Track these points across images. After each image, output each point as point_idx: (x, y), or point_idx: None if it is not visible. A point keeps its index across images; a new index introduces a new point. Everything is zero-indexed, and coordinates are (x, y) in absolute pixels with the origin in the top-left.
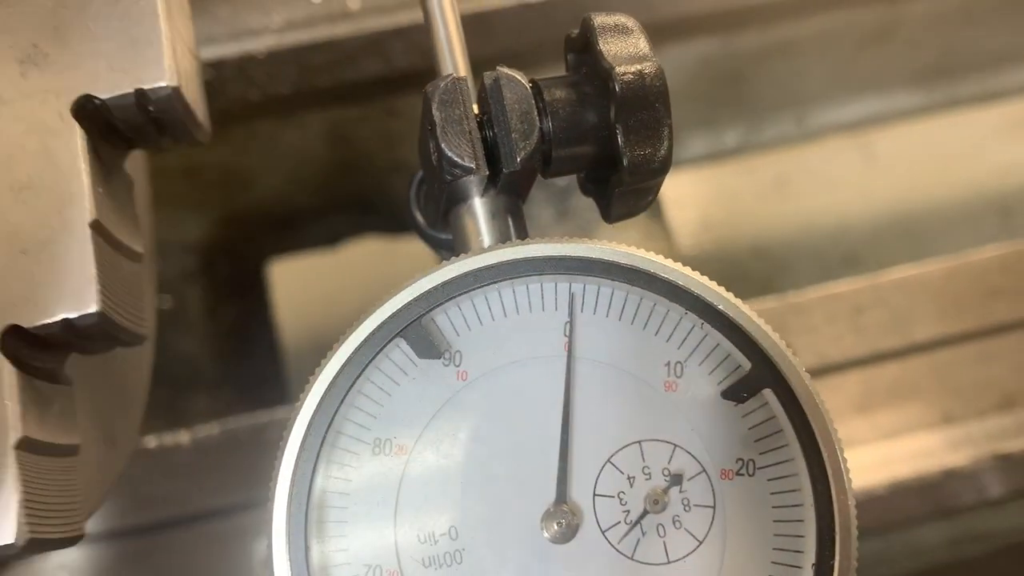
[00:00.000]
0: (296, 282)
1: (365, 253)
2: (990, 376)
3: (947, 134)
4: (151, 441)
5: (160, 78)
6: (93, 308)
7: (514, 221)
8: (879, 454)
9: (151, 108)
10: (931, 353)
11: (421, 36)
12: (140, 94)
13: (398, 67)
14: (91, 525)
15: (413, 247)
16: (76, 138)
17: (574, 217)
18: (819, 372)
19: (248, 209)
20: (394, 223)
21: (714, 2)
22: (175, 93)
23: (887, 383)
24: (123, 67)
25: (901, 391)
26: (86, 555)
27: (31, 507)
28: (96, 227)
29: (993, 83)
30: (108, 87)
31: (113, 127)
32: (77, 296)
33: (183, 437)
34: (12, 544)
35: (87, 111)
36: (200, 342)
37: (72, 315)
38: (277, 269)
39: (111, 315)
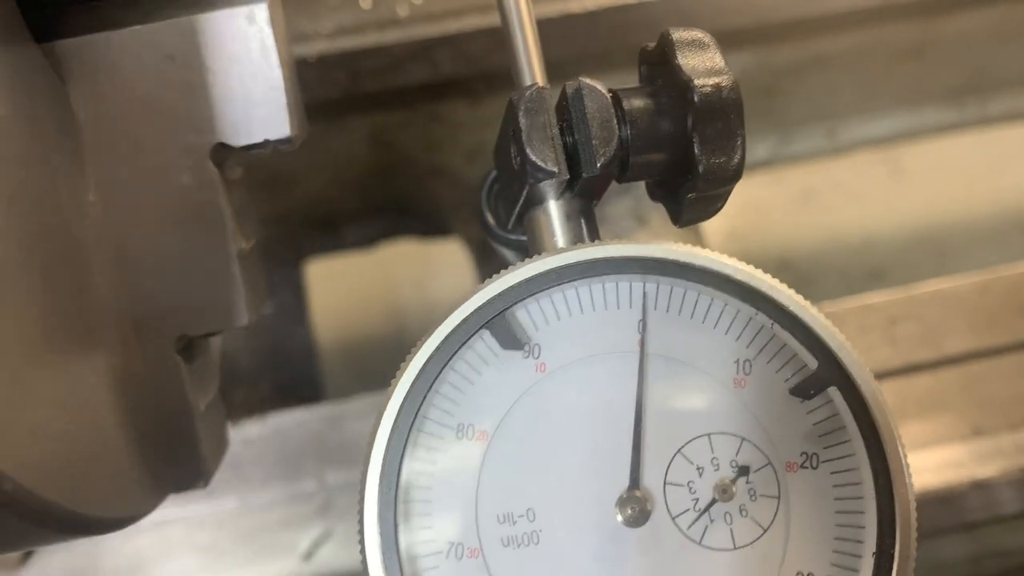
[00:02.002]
0: (332, 282)
1: (400, 255)
2: (1021, 390)
3: (976, 152)
4: None
5: (284, 131)
6: (244, 322)
7: (587, 223)
8: (909, 464)
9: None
10: (963, 366)
11: (468, 44)
12: (266, 142)
13: (444, 73)
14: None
15: (447, 250)
16: (216, 180)
17: (610, 224)
18: None
19: (289, 210)
20: (430, 226)
21: (751, 18)
22: (295, 139)
23: (919, 395)
24: (252, 122)
25: (932, 403)
26: (134, 544)
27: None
28: (240, 256)
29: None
30: (241, 138)
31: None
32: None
33: (228, 429)
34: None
35: (220, 156)
36: (238, 339)
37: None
38: (314, 269)
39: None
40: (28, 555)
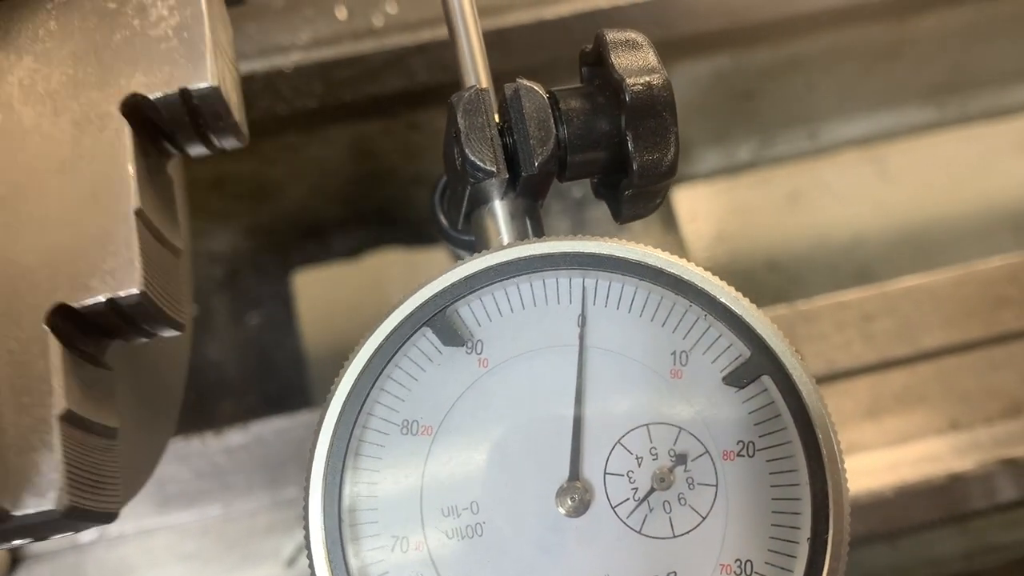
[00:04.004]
0: (319, 292)
1: (385, 264)
2: (997, 383)
3: (959, 149)
4: (180, 441)
5: (203, 79)
6: (136, 289)
7: (532, 222)
8: (887, 459)
9: (194, 105)
10: (938, 360)
11: (443, 52)
12: (185, 93)
13: (420, 82)
14: (124, 523)
15: (432, 258)
16: (124, 131)
17: (590, 228)
18: (828, 378)
19: (273, 220)
20: (414, 235)
21: (727, 20)
22: (215, 92)
23: (895, 389)
24: (171, 70)
25: (909, 397)
26: (118, 553)
27: (73, 477)
28: (140, 215)
29: (1003, 100)
30: (156, 87)
31: (159, 129)
32: (122, 277)
33: (211, 438)
34: (53, 510)
35: (135, 108)
36: (226, 349)
37: (117, 295)
38: (301, 279)
39: (152, 297)
40: (13, 565)
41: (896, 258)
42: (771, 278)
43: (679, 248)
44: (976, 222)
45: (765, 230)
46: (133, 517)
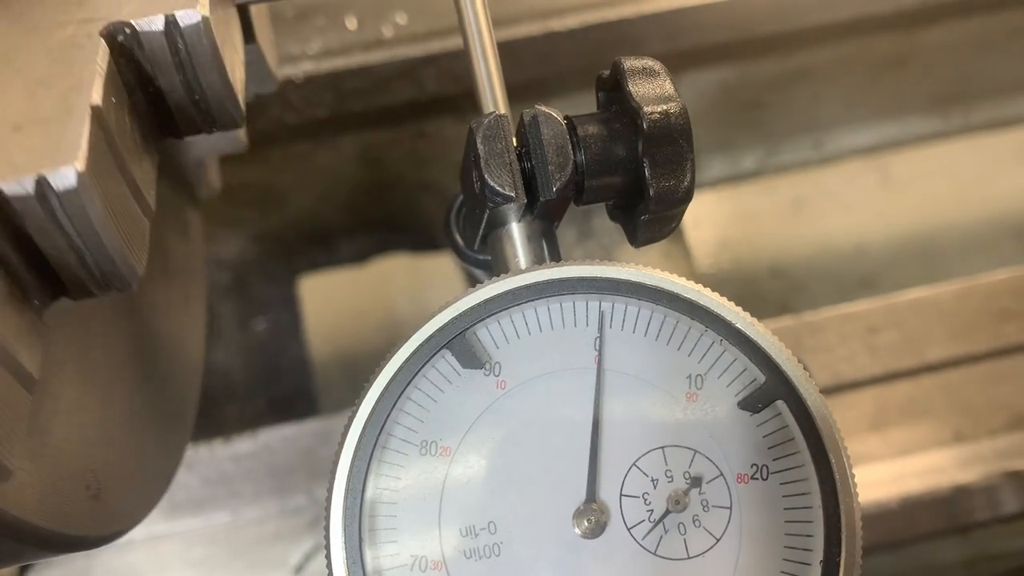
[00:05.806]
0: (326, 297)
1: (392, 270)
2: (1001, 396)
3: (963, 159)
4: (188, 448)
5: (191, 5)
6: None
7: (548, 244)
8: (891, 470)
9: (181, 48)
10: (943, 373)
11: (452, 63)
12: (171, 22)
13: (429, 92)
14: (133, 529)
15: (438, 264)
16: (100, 50)
17: (596, 237)
18: (833, 390)
19: (281, 227)
20: (421, 241)
21: (733, 32)
22: (204, 25)
23: (900, 402)
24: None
25: (913, 410)
26: (127, 559)
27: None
28: (96, 112)
29: (1007, 110)
30: (138, 12)
31: (151, 97)
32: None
33: (219, 445)
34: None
35: (117, 40)
36: (232, 355)
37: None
38: (307, 285)
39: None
40: (23, 569)
41: (899, 266)
42: (774, 285)
43: (684, 256)
44: (980, 232)
45: (769, 238)
46: (142, 523)
